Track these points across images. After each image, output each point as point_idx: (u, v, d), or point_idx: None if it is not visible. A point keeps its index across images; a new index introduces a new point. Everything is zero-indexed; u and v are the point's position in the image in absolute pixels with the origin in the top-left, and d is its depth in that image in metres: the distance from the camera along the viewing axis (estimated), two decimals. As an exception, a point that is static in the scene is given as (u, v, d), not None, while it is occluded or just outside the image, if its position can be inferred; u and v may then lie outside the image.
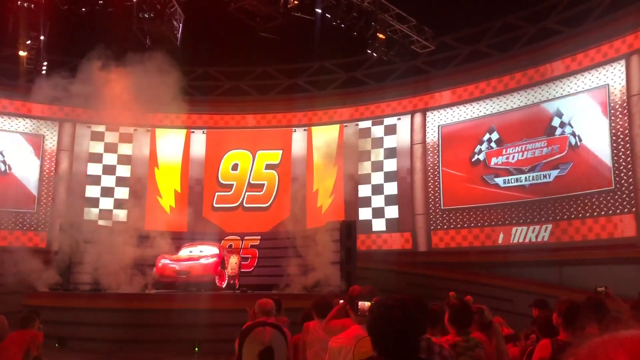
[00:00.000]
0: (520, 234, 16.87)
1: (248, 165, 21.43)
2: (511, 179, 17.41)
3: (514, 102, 17.93)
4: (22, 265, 14.78)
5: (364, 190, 20.27)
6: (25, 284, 14.39)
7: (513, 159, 17.43)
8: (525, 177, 17.12)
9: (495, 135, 17.92)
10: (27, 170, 19.79)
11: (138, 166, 20.77)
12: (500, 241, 17.29)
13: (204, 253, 15.72)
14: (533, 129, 16.92)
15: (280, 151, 21.42)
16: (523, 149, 17.25)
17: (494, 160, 17.94)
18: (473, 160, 18.33)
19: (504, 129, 17.75)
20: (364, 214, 20.06)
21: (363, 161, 20.47)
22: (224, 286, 14.92)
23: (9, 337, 6.70)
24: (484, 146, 18.09)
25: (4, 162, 19.60)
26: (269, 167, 21.40)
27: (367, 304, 3.44)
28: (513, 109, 17.79)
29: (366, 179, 20.23)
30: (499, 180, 17.74)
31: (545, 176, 16.60)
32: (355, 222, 16.52)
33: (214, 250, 16.02)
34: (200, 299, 13.54)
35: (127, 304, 13.43)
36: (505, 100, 18.13)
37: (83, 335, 13.08)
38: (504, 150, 17.67)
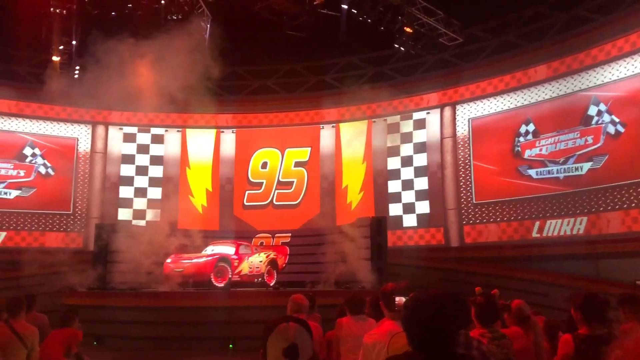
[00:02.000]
0: (555, 227, 16.49)
1: (277, 163, 21.39)
2: (543, 170, 17.01)
3: (546, 93, 17.49)
4: (60, 266, 15.13)
5: (394, 186, 20.13)
6: (63, 284, 14.63)
7: (546, 150, 17.05)
8: (558, 169, 16.69)
9: (531, 127, 17.53)
10: (63, 172, 20.13)
11: (170, 166, 20.96)
12: (534, 234, 16.93)
13: (214, 251, 15.42)
14: (568, 119, 16.50)
15: (309, 148, 21.35)
16: (556, 141, 16.84)
17: (527, 153, 17.56)
18: (512, 152, 17.86)
19: (539, 120, 17.37)
20: (395, 209, 19.90)
21: (392, 156, 20.32)
22: (221, 285, 14.48)
23: (50, 335, 6.85)
24: (520, 138, 17.69)
25: (45, 165, 20.03)
26: (298, 164, 21.34)
27: (403, 299, 3.42)
28: (547, 99, 17.38)
29: (396, 175, 20.05)
30: (532, 172, 17.35)
31: (577, 169, 16.12)
32: (386, 218, 16.33)
33: (226, 249, 15.63)
34: (233, 297, 13.56)
35: (162, 303, 13.52)
36: (537, 92, 17.71)
37: (120, 333, 13.21)
38: (537, 142, 17.29)
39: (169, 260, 14.81)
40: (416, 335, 2.30)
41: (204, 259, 14.62)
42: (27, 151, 19.91)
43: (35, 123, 20.08)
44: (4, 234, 19.26)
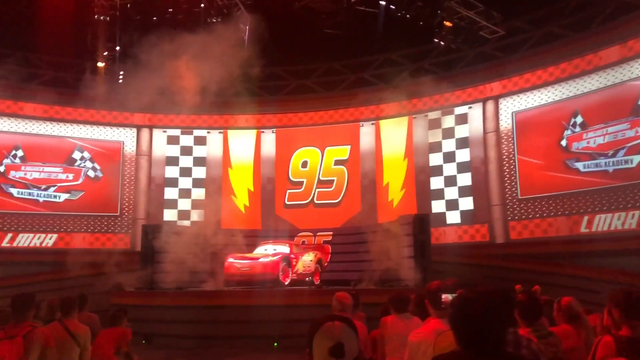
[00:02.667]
0: (605, 222, 15.95)
1: (317, 162, 21.34)
2: (591, 163, 16.46)
3: (593, 84, 16.87)
4: (109, 267, 15.60)
5: (436, 183, 19.81)
6: (113, 284, 15.00)
7: (594, 143, 16.49)
8: (607, 162, 16.11)
9: (579, 119, 16.98)
10: (110, 175, 20.63)
11: (212, 167, 21.21)
12: (582, 230, 16.44)
13: (276, 251, 15.66)
14: (618, 109, 15.89)
15: (349, 146, 21.20)
16: (605, 133, 16.27)
17: (575, 145, 17.03)
18: (558, 145, 17.35)
19: (586, 112, 16.81)
20: (437, 206, 19.63)
21: (434, 152, 20.00)
22: (287, 283, 14.77)
23: (100, 334, 7.04)
24: (567, 131, 17.18)
25: (94, 169, 20.58)
26: (338, 162, 21.22)
27: (450, 296, 3.41)
28: (594, 90, 16.79)
29: (438, 171, 19.76)
30: (579, 165, 16.82)
31: (627, 161, 15.54)
32: (429, 215, 16.22)
33: (283, 248, 15.89)
34: (277, 295, 13.53)
35: (208, 301, 13.64)
36: (584, 82, 17.14)
37: (167, 332, 13.37)
38: (585, 135, 16.75)
39: (232, 260, 14.90)
40: (464, 334, 2.27)
41: (270, 258, 14.79)
42: (76, 155, 20.40)
43: (83, 127, 20.58)
44: (55, 235, 19.81)
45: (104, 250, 18.27)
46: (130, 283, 15.02)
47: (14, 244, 19.21)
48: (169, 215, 20.74)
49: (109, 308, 11.67)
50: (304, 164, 21.47)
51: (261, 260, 14.70)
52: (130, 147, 21.19)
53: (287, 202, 21.27)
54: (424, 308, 3.97)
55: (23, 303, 4.70)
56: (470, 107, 19.56)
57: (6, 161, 19.65)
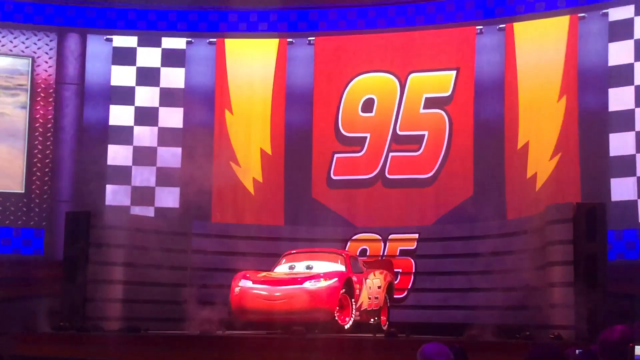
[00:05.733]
0: None
1: (393, 102, 15.15)
2: None
3: None
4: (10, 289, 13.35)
5: (621, 143, 13.58)
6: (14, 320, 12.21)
7: None
8: None
9: None
10: (7, 120, 15.47)
11: (196, 109, 15.40)
12: None
13: (314, 270, 12.24)
14: None
15: (454, 72, 14.91)
16: None
17: None
18: None
19: None
20: (622, 188, 13.62)
21: (619, 86, 13.47)
22: (347, 326, 11.64)
23: None
24: None
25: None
26: (432, 103, 14.99)
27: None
28: None
29: (627, 121, 13.54)
30: None
31: None
32: (605, 205, 12.03)
33: (335, 266, 12.45)
34: (316, 349, 10.32)
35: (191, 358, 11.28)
36: None
37: None
38: None
39: (248, 285, 11.88)
40: None
41: (322, 282, 11.71)
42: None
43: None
44: None
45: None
46: (43, 318, 12.01)
47: None
48: (116, 195, 15.13)
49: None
50: (368, 105, 15.31)
51: (307, 285, 11.64)
52: (45, 69, 15.19)
53: (333, 177, 15.31)
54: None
55: None
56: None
57: None
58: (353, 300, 11.97)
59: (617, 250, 13.13)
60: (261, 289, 11.60)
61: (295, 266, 12.32)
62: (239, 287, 11.63)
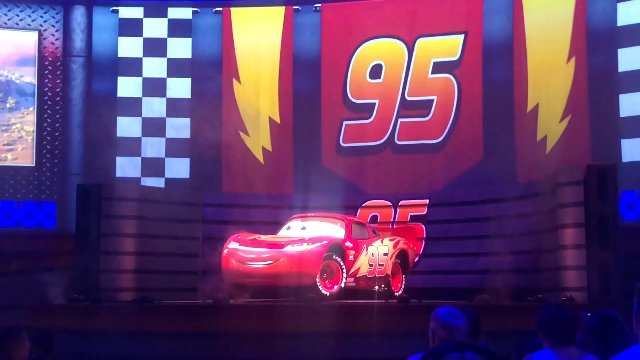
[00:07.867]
0: None
1: (401, 67, 14.86)
2: None
3: None
4: (21, 262, 13.55)
5: (631, 103, 13.50)
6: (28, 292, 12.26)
7: None
8: None
9: None
10: (15, 94, 15.39)
11: (204, 79, 15.16)
12: None
13: (306, 233, 12.07)
14: None
15: (462, 36, 14.59)
16: None
17: None
18: None
19: None
20: (634, 149, 13.54)
21: (629, 46, 13.40)
22: (329, 293, 11.43)
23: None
24: None
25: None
26: (440, 68, 14.72)
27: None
28: None
29: (636, 80, 13.35)
30: None
31: None
32: (616, 166, 12.12)
33: (332, 229, 12.22)
34: (335, 315, 10.42)
35: (197, 326, 10.82)
36: None
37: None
38: None
39: (236, 246, 11.67)
40: None
41: (304, 245, 11.33)
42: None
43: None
44: None
45: (9, 230, 13.97)
46: (57, 291, 11.83)
47: None
48: (126, 167, 14.96)
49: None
50: (376, 71, 15.03)
51: (288, 248, 11.51)
52: (52, 42, 15.00)
53: (342, 143, 15.10)
54: (611, 336, 3.52)
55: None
56: None
57: None
58: (343, 266, 11.71)
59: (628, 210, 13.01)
60: (246, 252, 11.54)
61: (291, 228, 12.24)
62: (227, 249, 11.62)
